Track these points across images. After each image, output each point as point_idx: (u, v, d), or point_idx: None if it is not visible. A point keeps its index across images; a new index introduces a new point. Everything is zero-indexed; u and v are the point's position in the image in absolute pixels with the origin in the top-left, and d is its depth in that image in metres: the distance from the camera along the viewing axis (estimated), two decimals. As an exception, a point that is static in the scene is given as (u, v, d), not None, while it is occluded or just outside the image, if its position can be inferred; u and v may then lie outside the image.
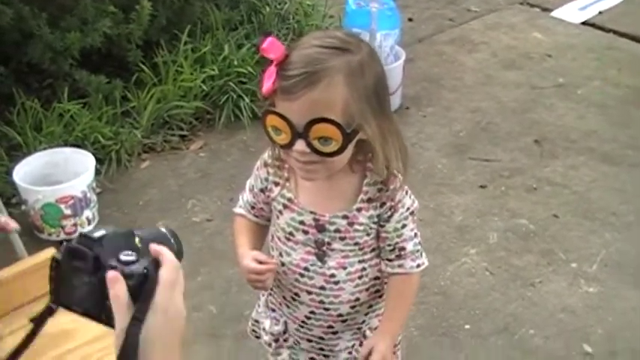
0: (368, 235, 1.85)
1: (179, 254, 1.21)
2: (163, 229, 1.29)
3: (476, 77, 4.54)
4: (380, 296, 1.97)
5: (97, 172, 3.64)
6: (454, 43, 4.85)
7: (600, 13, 5.03)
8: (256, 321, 2.11)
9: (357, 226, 1.83)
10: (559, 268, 3.30)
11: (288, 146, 1.66)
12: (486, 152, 3.97)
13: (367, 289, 1.92)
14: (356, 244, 1.85)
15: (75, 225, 3.49)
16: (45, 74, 3.95)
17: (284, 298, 1.96)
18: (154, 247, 1.19)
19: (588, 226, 3.51)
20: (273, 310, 2.02)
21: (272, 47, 1.64)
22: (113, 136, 3.91)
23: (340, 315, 1.92)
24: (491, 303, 3.13)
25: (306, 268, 1.88)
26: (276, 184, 1.88)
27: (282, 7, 4.62)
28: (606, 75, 4.49)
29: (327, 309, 1.91)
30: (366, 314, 1.97)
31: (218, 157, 4.01)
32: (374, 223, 1.84)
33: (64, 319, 3.16)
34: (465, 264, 3.24)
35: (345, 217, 1.81)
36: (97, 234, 1.17)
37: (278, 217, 1.89)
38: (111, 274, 1.14)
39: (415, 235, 1.89)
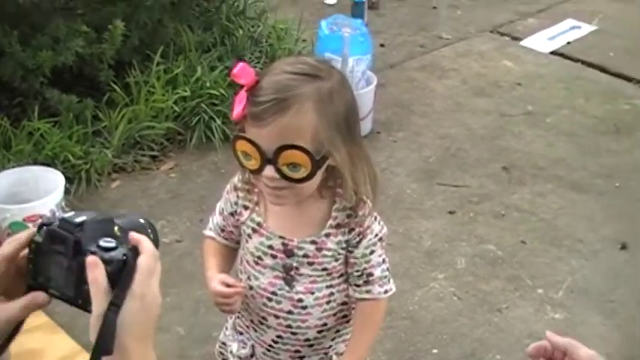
0: (336, 260, 1.85)
1: (155, 244, 1.22)
2: (142, 220, 1.30)
3: (446, 104, 4.57)
4: (347, 321, 1.97)
5: (67, 192, 3.60)
6: (425, 70, 4.88)
7: (569, 43, 5.08)
8: (223, 343, 2.10)
9: (325, 252, 1.83)
10: (525, 293, 3.32)
11: (258, 172, 1.67)
12: (455, 178, 3.99)
13: (335, 314, 1.92)
14: (324, 269, 1.85)
15: (43, 244, 3.46)
16: (15, 92, 3.93)
17: (251, 321, 1.96)
18: (134, 235, 1.20)
19: (555, 253, 3.53)
20: (241, 334, 2.02)
21: (243, 73, 1.65)
22: (83, 155, 3.88)
23: (307, 340, 1.92)
24: (458, 328, 3.14)
25: (273, 292, 1.87)
26: (246, 207, 1.88)
27: (255, 30, 4.65)
28: (574, 104, 4.53)
29: (294, 333, 1.91)
30: (332, 339, 1.97)
31: (189, 178, 4.00)
32: (342, 248, 1.84)
33: (32, 339, 3.12)
34: (433, 289, 3.25)
35: (313, 242, 1.82)
36: (78, 219, 1.18)
37: (247, 241, 1.89)
38: (90, 259, 1.16)
39: (383, 260, 1.89)
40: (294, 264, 1.84)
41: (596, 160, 4.11)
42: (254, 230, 1.87)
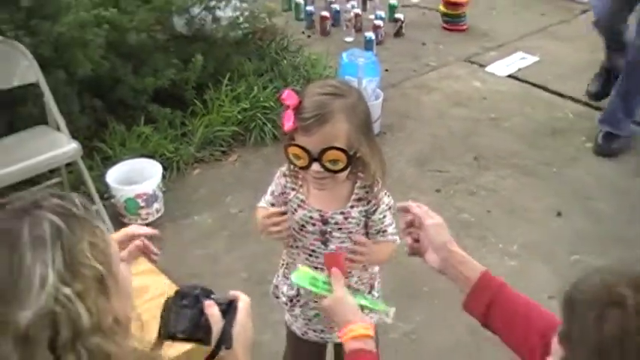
0: (358, 225, 1.89)
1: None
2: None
3: (432, 112, 4.58)
4: (365, 268, 2.00)
5: (163, 177, 3.68)
6: (417, 88, 4.89)
7: (519, 69, 5.06)
8: (276, 286, 2.13)
9: (350, 219, 1.87)
10: (490, 248, 3.36)
11: (306, 168, 1.71)
12: (440, 165, 4.01)
13: (362, 266, 1.96)
14: (349, 232, 1.88)
15: (147, 214, 3.54)
16: (128, 107, 3.99)
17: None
18: (232, 292, 1.42)
19: (511, 219, 3.57)
20: (288, 278, 2.04)
21: (289, 97, 1.69)
22: (174, 150, 3.95)
23: None
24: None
25: (313, 250, 1.91)
26: (292, 189, 1.91)
27: (296, 60, 4.66)
28: (524, 112, 4.53)
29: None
30: (355, 282, 2.00)
31: (248, 167, 4.04)
32: (363, 216, 1.88)
33: (139, 279, 3.17)
34: (425, 244, 3.28)
35: (342, 213, 1.86)
36: (195, 290, 1.41)
37: (293, 214, 1.90)
38: (208, 302, 1.38)
39: (392, 222, 1.94)
40: (328, 229, 1.88)
41: (539, 153, 4.11)
42: (299, 205, 1.89)
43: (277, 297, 2.14)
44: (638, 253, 3.20)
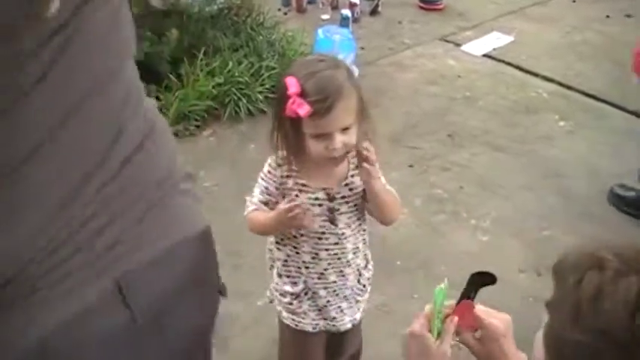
0: (361, 197, 1.87)
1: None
2: None
3: (407, 90, 4.56)
4: (365, 243, 2.01)
5: (137, 150, 3.62)
6: (393, 66, 4.86)
7: (494, 49, 5.05)
8: (275, 290, 2.06)
9: (355, 190, 1.85)
10: (463, 223, 3.37)
11: (331, 144, 1.68)
12: (414, 142, 4.00)
13: (363, 240, 1.97)
14: (355, 205, 1.87)
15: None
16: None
17: (303, 262, 1.93)
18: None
19: (484, 195, 3.57)
20: (288, 277, 1.98)
21: (292, 84, 1.64)
22: (149, 124, 3.90)
23: (347, 260, 1.93)
24: (416, 247, 3.19)
25: (322, 232, 1.87)
26: (289, 176, 1.85)
27: (271, 36, 4.61)
28: (498, 91, 4.53)
29: (339, 258, 1.92)
30: (360, 258, 2.00)
31: (223, 142, 4.01)
32: (362, 183, 1.85)
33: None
34: (400, 219, 3.27)
35: (346, 185, 1.84)
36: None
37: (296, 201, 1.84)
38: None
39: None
40: (336, 206, 1.84)
41: (512, 131, 4.12)
42: (300, 190, 1.84)
43: (280, 299, 2.04)
44: (607, 230, 3.23)
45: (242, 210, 3.44)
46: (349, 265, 1.96)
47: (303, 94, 1.63)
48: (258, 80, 4.21)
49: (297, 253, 1.92)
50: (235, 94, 4.14)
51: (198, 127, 4.10)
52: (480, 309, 1.37)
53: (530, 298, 2.86)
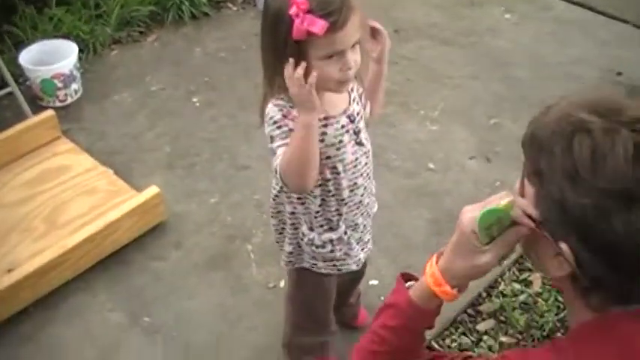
0: (364, 108, 1.79)
1: None
2: None
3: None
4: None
5: (79, 59, 3.50)
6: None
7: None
8: (308, 246, 1.87)
9: (362, 103, 1.77)
10: (412, 114, 3.37)
11: (345, 64, 1.53)
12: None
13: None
14: (362, 118, 1.77)
15: (65, 95, 3.39)
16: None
17: (342, 200, 1.77)
18: None
19: (432, 87, 3.56)
20: (325, 225, 1.82)
21: (299, 3, 1.45)
22: (89, 32, 3.77)
23: (369, 177, 1.84)
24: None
25: (356, 158, 1.74)
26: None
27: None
28: (444, -15, 4.47)
29: (369, 177, 1.84)
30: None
31: (167, 46, 3.90)
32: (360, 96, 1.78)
33: (61, 158, 3.11)
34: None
35: (354, 100, 1.73)
36: None
37: (323, 140, 1.66)
38: None
39: None
40: (357, 125, 1.73)
41: (458, 24, 4.09)
42: (324, 125, 1.66)
43: (318, 252, 1.87)
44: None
45: (190, 111, 3.41)
46: (369, 178, 1.86)
47: (313, 10, 1.46)
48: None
49: (333, 195, 1.76)
50: (177, -2, 4.02)
51: (142, 32, 3.97)
52: None
53: (480, 182, 2.91)
